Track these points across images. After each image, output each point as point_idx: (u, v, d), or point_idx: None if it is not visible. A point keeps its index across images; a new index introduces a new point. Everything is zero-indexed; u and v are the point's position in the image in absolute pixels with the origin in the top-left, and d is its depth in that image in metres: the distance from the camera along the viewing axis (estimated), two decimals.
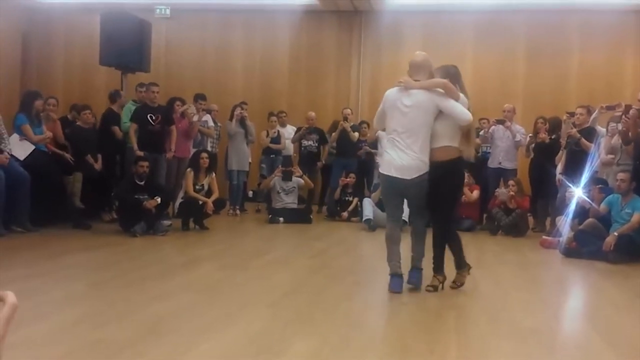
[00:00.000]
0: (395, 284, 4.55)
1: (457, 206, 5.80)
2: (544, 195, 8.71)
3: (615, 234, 6.45)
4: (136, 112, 8.37)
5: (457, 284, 4.82)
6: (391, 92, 4.70)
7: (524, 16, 11.58)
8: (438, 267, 4.76)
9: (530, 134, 8.90)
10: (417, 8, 11.73)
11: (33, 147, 7.34)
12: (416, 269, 4.70)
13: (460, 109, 4.49)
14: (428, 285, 4.69)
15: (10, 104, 9.70)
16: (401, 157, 4.48)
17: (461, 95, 4.60)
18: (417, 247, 4.72)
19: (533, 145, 8.78)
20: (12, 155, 7.08)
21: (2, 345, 1.19)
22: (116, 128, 8.58)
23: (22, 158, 7.18)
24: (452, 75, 4.69)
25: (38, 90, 8.11)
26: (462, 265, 4.82)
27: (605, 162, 7.69)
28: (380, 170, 4.78)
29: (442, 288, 4.73)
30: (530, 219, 8.87)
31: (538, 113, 9.36)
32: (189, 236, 7.51)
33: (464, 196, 8.80)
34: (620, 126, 7.54)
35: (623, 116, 7.24)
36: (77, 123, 8.37)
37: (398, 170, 4.50)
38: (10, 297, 1.23)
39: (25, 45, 12.86)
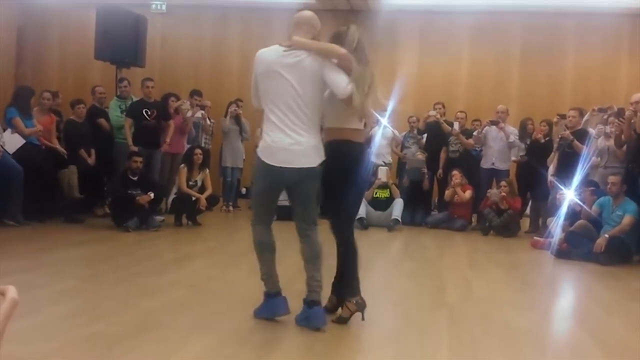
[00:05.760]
0: (279, 305, 3.57)
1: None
2: (534, 195, 8.76)
3: (606, 235, 6.49)
4: (131, 107, 8.35)
5: (339, 320, 3.56)
6: (266, 53, 3.69)
7: (519, 18, 11.60)
8: (348, 289, 3.62)
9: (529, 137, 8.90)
10: (413, 8, 11.73)
11: (23, 141, 7.31)
12: (314, 302, 3.50)
13: (341, 79, 3.38)
14: (335, 317, 3.62)
15: (3, 99, 9.64)
16: (283, 140, 3.41)
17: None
18: (312, 273, 3.62)
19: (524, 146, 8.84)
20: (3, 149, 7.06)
21: (0, 342, 1.15)
22: (102, 120, 8.55)
23: (11, 152, 7.15)
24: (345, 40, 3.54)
25: (30, 87, 8.08)
26: (351, 291, 3.58)
27: (592, 164, 7.73)
28: (260, 156, 3.52)
29: (363, 319, 3.58)
30: (524, 220, 8.92)
31: (533, 115, 9.41)
32: (182, 232, 7.50)
33: (456, 196, 8.85)
34: (607, 128, 7.57)
35: (616, 119, 7.27)
36: (71, 117, 8.35)
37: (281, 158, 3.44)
38: (11, 291, 1.16)
39: (20, 39, 12.78)
